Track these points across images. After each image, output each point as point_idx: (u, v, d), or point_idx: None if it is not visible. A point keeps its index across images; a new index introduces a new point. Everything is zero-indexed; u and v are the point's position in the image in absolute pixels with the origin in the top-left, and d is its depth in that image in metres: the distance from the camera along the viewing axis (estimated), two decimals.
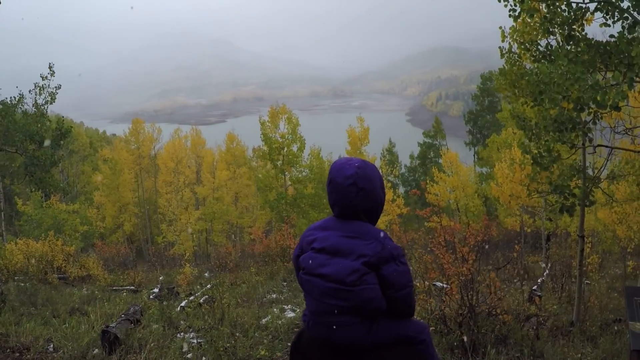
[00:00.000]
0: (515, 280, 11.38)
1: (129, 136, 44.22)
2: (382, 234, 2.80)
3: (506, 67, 8.09)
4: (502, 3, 7.29)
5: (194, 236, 36.21)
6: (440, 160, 38.38)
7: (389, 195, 28.69)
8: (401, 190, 44.90)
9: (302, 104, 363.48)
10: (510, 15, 7.39)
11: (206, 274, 19.11)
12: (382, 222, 26.76)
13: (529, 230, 24.94)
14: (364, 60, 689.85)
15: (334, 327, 2.78)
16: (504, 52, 8.09)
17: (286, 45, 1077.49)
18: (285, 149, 29.20)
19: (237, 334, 7.48)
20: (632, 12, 6.21)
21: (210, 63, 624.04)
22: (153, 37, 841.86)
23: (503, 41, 7.94)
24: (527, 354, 6.32)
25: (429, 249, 7.96)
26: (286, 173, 30.44)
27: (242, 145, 48.21)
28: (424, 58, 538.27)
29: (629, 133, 9.31)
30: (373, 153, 38.31)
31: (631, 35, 6.22)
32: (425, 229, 19.26)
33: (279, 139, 29.17)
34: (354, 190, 2.80)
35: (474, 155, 46.88)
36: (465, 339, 6.37)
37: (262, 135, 29.40)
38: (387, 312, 2.85)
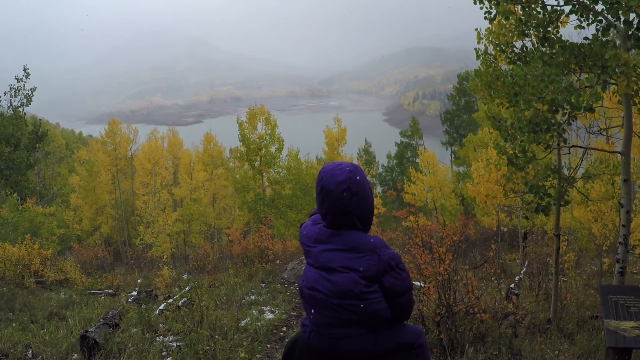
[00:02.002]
0: (492, 279, 11.49)
1: (106, 137, 43.58)
2: (377, 244, 2.72)
3: (482, 68, 8.13)
4: (478, 5, 7.35)
5: (172, 238, 36.01)
6: (418, 160, 38.43)
7: None
8: (379, 189, 45.10)
9: (280, 104, 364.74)
10: (485, 18, 7.44)
11: (184, 276, 19.03)
12: None
13: (505, 229, 25.11)
14: (341, 61, 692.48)
15: (339, 338, 2.73)
16: (479, 53, 8.13)
17: (263, 45, 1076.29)
18: (263, 149, 29.14)
19: (217, 337, 7.48)
20: (606, 14, 6.28)
21: (186, 63, 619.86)
22: (128, 37, 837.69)
23: (479, 43, 7.99)
24: (504, 352, 6.38)
25: (406, 249, 8.00)
26: (264, 174, 30.34)
27: (219, 146, 48.18)
28: (401, 58, 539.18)
29: (603, 133, 9.44)
30: (350, 153, 38.33)
31: (605, 38, 6.30)
32: (402, 228, 19.32)
33: (257, 139, 29.09)
34: (347, 196, 2.66)
35: (450, 155, 47.28)
36: (443, 338, 6.43)
37: (239, 136, 29.29)
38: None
